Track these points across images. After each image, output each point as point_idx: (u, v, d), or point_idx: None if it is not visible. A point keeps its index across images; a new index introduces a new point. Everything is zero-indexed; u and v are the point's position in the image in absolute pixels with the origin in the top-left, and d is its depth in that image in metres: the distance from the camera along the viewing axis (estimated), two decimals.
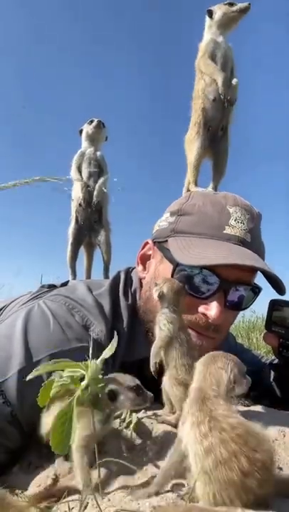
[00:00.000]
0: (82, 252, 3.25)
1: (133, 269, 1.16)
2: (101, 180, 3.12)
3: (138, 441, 0.72)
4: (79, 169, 3.16)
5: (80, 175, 3.14)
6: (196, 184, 2.47)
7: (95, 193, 3.06)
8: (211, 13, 2.50)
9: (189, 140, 2.52)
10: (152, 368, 0.79)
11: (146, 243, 1.12)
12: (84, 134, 3.27)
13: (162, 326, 0.79)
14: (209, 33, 2.55)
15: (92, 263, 3.30)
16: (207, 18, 2.55)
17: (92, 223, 3.11)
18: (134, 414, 0.74)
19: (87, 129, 3.24)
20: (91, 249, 3.25)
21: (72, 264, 3.13)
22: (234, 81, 2.47)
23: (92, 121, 3.23)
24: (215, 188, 2.51)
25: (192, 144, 2.47)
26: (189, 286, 0.92)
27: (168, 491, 0.59)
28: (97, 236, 3.11)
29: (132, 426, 0.73)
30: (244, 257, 0.89)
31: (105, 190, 3.08)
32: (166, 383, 0.77)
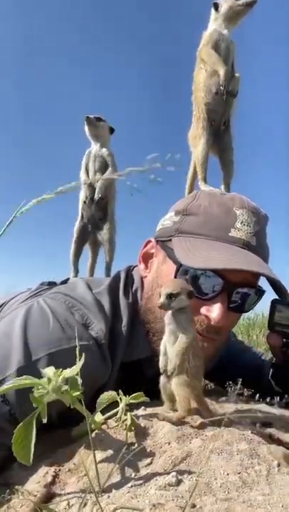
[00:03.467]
0: (88, 250, 3.23)
1: (134, 267, 1.15)
2: (103, 176, 3.09)
3: (134, 439, 0.72)
4: (86, 168, 3.15)
5: (87, 173, 3.13)
6: (205, 181, 2.42)
7: (97, 189, 3.04)
8: (216, 6, 2.46)
9: (194, 136, 2.46)
10: (169, 368, 0.77)
11: (149, 241, 1.11)
12: (88, 131, 3.25)
13: (187, 327, 0.78)
14: (214, 24, 2.50)
15: (96, 261, 3.28)
16: (213, 11, 2.50)
17: (97, 221, 3.10)
18: (128, 413, 0.74)
19: (85, 127, 3.23)
20: (96, 248, 3.24)
21: (74, 262, 3.12)
22: (237, 73, 2.43)
23: (98, 119, 3.20)
24: (227, 187, 2.45)
25: (197, 140, 2.41)
26: (192, 287, 0.92)
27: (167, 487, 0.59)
28: (102, 234, 3.09)
29: (127, 425, 0.73)
30: (249, 261, 0.88)
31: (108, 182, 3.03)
32: (174, 383, 0.77)
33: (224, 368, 1.16)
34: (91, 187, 3.09)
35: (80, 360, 0.67)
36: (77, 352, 0.68)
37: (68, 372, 0.67)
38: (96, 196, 3.04)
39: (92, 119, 3.15)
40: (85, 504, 0.57)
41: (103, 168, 3.15)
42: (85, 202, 3.07)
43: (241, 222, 0.94)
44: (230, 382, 0.95)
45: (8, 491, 0.67)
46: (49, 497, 0.64)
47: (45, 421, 0.63)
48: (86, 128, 3.20)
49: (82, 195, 3.09)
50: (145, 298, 1.03)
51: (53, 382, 0.65)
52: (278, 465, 0.67)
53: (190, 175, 2.68)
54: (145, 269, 1.09)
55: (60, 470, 0.71)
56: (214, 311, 0.90)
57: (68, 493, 0.64)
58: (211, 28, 2.49)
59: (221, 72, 2.35)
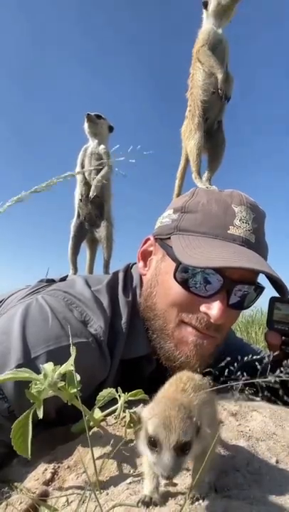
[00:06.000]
0: (86, 247, 3.25)
1: (133, 265, 1.15)
2: (99, 175, 3.10)
3: (133, 436, 0.72)
4: (82, 165, 3.15)
5: (80, 168, 3.12)
6: (198, 174, 2.46)
7: (92, 187, 3.04)
8: (206, 5, 2.49)
9: (189, 130, 2.49)
10: None
11: (148, 239, 1.10)
12: (88, 129, 3.25)
13: None
14: (208, 23, 2.52)
15: (94, 259, 3.29)
16: (204, 10, 2.53)
17: (93, 218, 3.10)
18: (127, 410, 0.74)
19: (84, 124, 3.23)
20: (94, 245, 3.25)
21: (73, 259, 3.13)
22: (230, 78, 2.47)
23: (97, 117, 3.21)
24: (209, 180, 2.51)
25: (192, 134, 2.45)
26: (192, 285, 0.91)
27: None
28: (99, 231, 3.10)
29: (126, 422, 0.73)
30: (249, 259, 0.88)
31: (105, 182, 3.05)
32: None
33: (224, 364, 1.16)
34: (87, 185, 3.09)
35: (76, 356, 0.67)
36: (71, 349, 0.67)
37: (62, 368, 0.67)
38: (91, 194, 3.04)
39: (92, 116, 3.15)
40: (84, 501, 0.57)
41: (98, 164, 3.14)
42: (81, 200, 3.08)
43: (240, 220, 0.94)
44: (231, 380, 0.95)
45: (7, 487, 0.67)
46: (47, 495, 0.64)
47: (41, 416, 0.63)
48: (86, 125, 3.19)
49: (78, 192, 3.09)
50: (144, 295, 1.03)
51: (48, 378, 0.65)
52: (276, 462, 0.68)
53: (180, 170, 2.70)
54: (144, 266, 1.08)
55: (59, 467, 0.71)
56: (214, 309, 0.90)
57: (67, 490, 0.64)
58: (205, 28, 2.52)
59: (219, 76, 2.39)
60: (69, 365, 0.67)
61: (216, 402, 0.61)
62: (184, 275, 0.92)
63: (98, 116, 3.18)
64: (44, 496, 0.63)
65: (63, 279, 1.17)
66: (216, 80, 2.41)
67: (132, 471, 0.65)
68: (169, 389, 0.57)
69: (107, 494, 0.59)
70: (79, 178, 3.15)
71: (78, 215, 3.12)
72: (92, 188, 3.04)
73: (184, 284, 0.92)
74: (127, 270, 1.12)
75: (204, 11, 2.51)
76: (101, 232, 3.10)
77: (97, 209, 3.10)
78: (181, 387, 0.55)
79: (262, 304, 1.10)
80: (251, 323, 3.77)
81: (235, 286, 0.92)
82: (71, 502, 0.59)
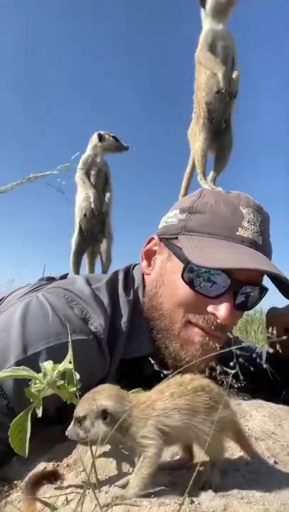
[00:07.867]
0: (85, 257, 3.31)
1: (135, 265, 1.14)
2: (108, 195, 3.13)
3: None
4: (87, 174, 3.13)
5: (89, 180, 3.11)
6: (204, 175, 2.46)
7: (105, 207, 3.08)
8: (203, 3, 2.47)
9: (194, 132, 2.50)
10: None
11: (152, 239, 1.10)
12: (101, 143, 3.22)
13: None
14: (206, 23, 2.50)
15: (93, 268, 3.36)
16: (202, 9, 2.51)
17: (95, 234, 3.14)
18: None
19: (110, 142, 3.21)
20: (93, 258, 3.31)
21: (75, 270, 3.18)
22: (234, 74, 2.44)
23: (117, 139, 3.22)
24: (213, 181, 2.51)
25: (197, 136, 2.45)
26: (199, 285, 0.91)
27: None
28: (100, 246, 3.15)
29: None
30: (258, 261, 0.88)
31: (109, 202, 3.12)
32: None
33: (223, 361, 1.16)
34: (99, 199, 3.10)
35: (75, 354, 0.67)
36: (70, 346, 0.67)
37: (61, 366, 0.66)
38: (104, 209, 3.09)
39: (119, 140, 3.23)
40: (83, 499, 0.57)
41: (103, 181, 3.17)
42: (85, 215, 3.10)
43: (248, 221, 0.94)
44: (225, 376, 0.95)
45: (6, 486, 0.67)
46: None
47: (40, 415, 0.63)
48: (110, 142, 3.20)
49: (88, 207, 3.09)
50: (149, 295, 1.03)
51: (48, 377, 0.65)
52: (275, 462, 0.68)
53: (188, 171, 2.69)
54: (148, 266, 1.08)
55: (58, 465, 0.71)
56: (221, 309, 0.90)
57: (66, 489, 0.64)
58: (205, 29, 2.50)
59: (220, 75, 2.38)
60: (68, 363, 0.67)
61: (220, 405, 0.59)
62: (192, 275, 0.92)
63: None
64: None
65: (63, 277, 1.17)
66: (218, 80, 2.40)
67: (131, 470, 0.65)
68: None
69: (106, 493, 0.58)
70: (86, 192, 3.14)
71: (80, 230, 3.15)
72: (105, 208, 3.08)
73: (192, 284, 0.92)
74: (128, 270, 1.12)
75: (202, 10, 2.49)
76: (102, 247, 3.15)
77: (99, 224, 3.14)
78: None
79: (261, 304, 1.10)
80: (251, 323, 3.78)
81: (242, 287, 0.92)
82: (70, 501, 0.59)
